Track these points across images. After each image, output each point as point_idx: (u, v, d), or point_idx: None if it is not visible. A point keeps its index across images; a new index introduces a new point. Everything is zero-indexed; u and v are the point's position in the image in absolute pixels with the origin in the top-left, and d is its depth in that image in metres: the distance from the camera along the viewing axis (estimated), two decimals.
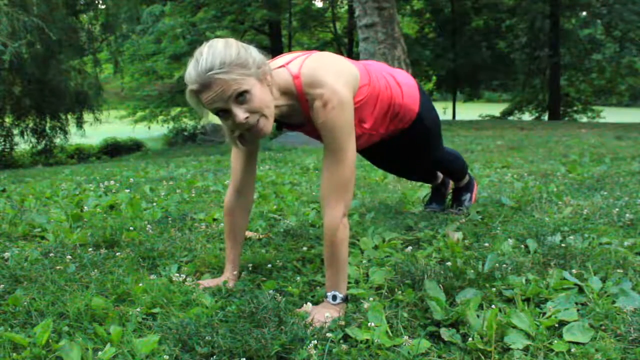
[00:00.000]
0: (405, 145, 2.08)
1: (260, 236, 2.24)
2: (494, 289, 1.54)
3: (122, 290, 1.55)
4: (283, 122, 1.66)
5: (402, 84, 1.86)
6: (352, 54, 21.70)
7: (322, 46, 23.45)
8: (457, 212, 2.47)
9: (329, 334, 1.29)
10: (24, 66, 10.70)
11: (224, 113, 1.38)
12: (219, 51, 1.34)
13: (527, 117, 21.05)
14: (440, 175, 2.54)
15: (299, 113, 1.55)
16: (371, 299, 1.50)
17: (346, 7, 21.65)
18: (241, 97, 1.36)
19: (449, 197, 2.62)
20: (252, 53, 1.40)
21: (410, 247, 1.96)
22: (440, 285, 1.54)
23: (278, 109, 1.49)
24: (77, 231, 2.29)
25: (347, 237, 1.48)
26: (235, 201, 1.72)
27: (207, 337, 1.24)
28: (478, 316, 1.34)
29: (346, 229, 1.47)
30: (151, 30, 17.06)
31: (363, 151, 2.13)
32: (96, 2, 14.55)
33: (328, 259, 1.48)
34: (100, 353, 1.21)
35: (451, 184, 2.61)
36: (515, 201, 2.66)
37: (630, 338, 1.26)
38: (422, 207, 2.64)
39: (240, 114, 1.36)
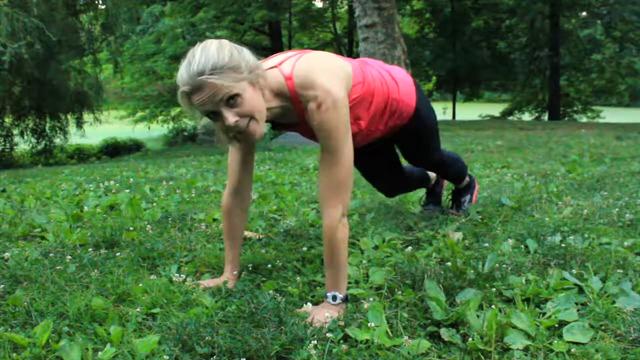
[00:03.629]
0: (404, 143, 2.08)
1: (260, 236, 2.24)
2: (494, 289, 1.54)
3: (122, 290, 1.55)
4: (277, 122, 1.65)
5: (398, 80, 1.84)
6: (352, 54, 21.72)
7: (322, 46, 23.47)
8: (457, 214, 2.47)
9: (328, 334, 1.29)
10: (23, 66, 10.68)
11: (215, 115, 1.39)
12: (211, 54, 1.34)
13: (527, 117, 21.06)
14: (432, 175, 2.53)
15: (293, 114, 1.54)
16: (371, 299, 1.50)
17: (346, 7, 21.65)
18: (232, 100, 1.36)
19: (449, 197, 2.62)
20: (245, 56, 1.39)
21: (410, 247, 1.96)
22: (440, 285, 1.54)
23: (270, 111, 1.48)
24: (77, 231, 2.29)
25: (347, 237, 1.48)
26: (233, 202, 1.71)
27: (207, 337, 1.24)
28: (478, 316, 1.34)
29: (345, 229, 1.47)
30: (151, 31, 17.08)
31: (359, 154, 2.08)
32: (96, 2, 14.54)
33: (328, 259, 1.48)
34: (100, 353, 1.21)
35: (446, 182, 2.61)
36: (515, 201, 2.66)
37: (630, 338, 1.26)
38: (421, 208, 2.64)
39: (230, 117, 1.36)
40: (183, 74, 1.35)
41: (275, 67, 1.50)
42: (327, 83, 1.44)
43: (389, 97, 1.78)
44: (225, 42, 1.39)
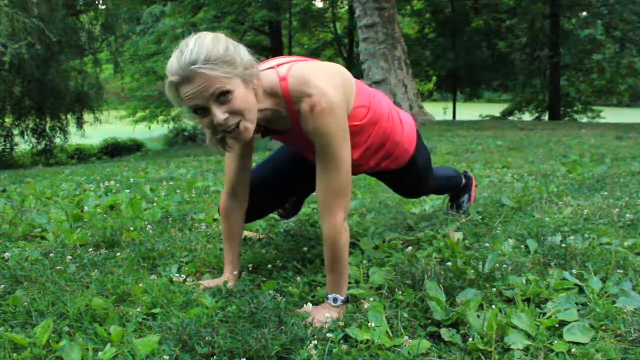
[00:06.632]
0: (395, 183, 2.04)
1: (260, 236, 2.24)
2: (494, 289, 1.54)
3: (122, 291, 1.55)
4: (267, 129, 1.56)
5: (403, 122, 1.79)
6: (352, 54, 21.73)
7: (322, 46, 23.48)
8: (457, 213, 2.47)
9: (329, 334, 1.28)
10: (24, 67, 10.69)
11: (202, 111, 1.31)
12: (206, 44, 1.27)
13: (527, 117, 21.03)
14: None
15: (285, 118, 1.47)
16: (371, 299, 1.50)
17: (346, 7, 21.66)
18: (223, 96, 1.28)
19: (447, 198, 2.61)
20: (241, 52, 1.33)
21: (410, 247, 1.96)
22: (441, 285, 1.54)
23: (262, 112, 1.40)
24: (77, 231, 2.29)
25: (348, 241, 1.46)
26: (231, 203, 1.70)
27: (207, 337, 1.24)
28: (478, 316, 1.34)
29: (347, 234, 1.45)
30: (151, 31, 17.08)
31: None
32: (96, 2, 14.54)
33: (329, 263, 1.46)
34: (100, 353, 1.21)
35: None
36: (515, 201, 2.66)
37: (630, 338, 1.26)
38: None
39: (220, 114, 1.29)
40: (173, 63, 1.29)
41: (272, 67, 1.45)
42: (322, 84, 1.37)
43: (390, 136, 1.71)
44: (221, 35, 1.33)
